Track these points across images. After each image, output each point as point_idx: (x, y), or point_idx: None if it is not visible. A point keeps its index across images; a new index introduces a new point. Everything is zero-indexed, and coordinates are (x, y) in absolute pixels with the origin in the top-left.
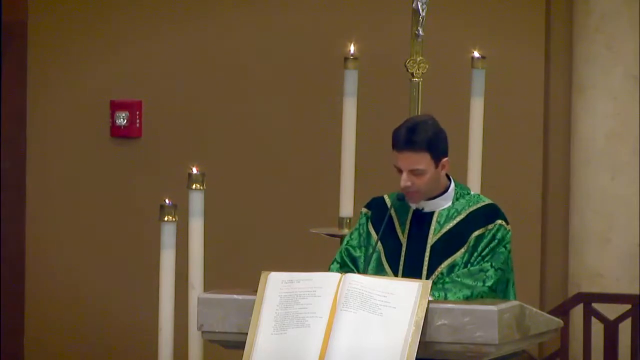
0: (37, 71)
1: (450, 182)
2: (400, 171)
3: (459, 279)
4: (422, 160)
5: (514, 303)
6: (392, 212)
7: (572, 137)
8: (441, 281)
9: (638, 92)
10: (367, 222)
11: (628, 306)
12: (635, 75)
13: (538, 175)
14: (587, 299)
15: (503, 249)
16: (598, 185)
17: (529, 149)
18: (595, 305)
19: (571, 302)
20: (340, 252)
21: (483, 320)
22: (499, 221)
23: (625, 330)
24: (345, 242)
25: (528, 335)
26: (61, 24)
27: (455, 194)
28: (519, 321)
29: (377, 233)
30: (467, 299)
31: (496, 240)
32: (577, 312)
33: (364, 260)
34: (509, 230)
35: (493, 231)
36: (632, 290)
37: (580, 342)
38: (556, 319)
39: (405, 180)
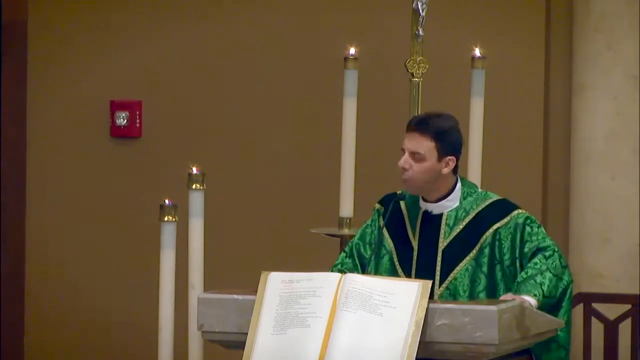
0: (37, 71)
1: (457, 182)
2: (404, 152)
3: (531, 281)
4: (425, 146)
5: (514, 303)
6: (404, 209)
7: (572, 137)
8: (516, 284)
9: (638, 92)
10: (378, 218)
11: (628, 306)
12: (635, 75)
13: (538, 175)
14: (587, 299)
15: (538, 230)
16: (598, 185)
17: (529, 149)
18: (595, 305)
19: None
20: (351, 245)
21: (483, 320)
22: (516, 211)
23: (625, 330)
24: (358, 235)
25: (528, 335)
26: (61, 24)
27: (462, 192)
28: (519, 321)
29: (388, 230)
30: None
31: (528, 227)
32: (577, 312)
33: (370, 258)
34: (528, 214)
35: (521, 222)
36: (632, 290)
37: (580, 342)
38: (556, 319)
39: (404, 162)
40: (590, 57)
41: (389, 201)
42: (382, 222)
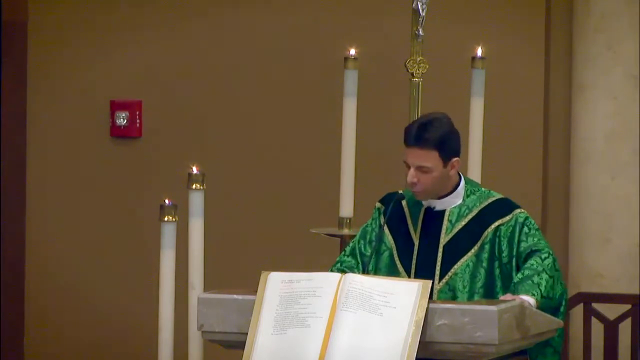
0: (37, 71)
1: (460, 179)
2: (408, 166)
3: (528, 281)
4: (429, 158)
5: (514, 303)
6: (405, 207)
7: (572, 137)
8: (512, 284)
9: (638, 92)
10: (378, 216)
11: (628, 306)
12: (635, 75)
13: (538, 175)
14: (587, 299)
15: (535, 232)
16: (598, 185)
17: (529, 149)
18: (595, 305)
19: (571, 302)
20: (353, 245)
21: (483, 320)
22: (517, 210)
23: (625, 330)
24: (358, 235)
25: (528, 335)
26: (61, 24)
27: (466, 190)
28: (519, 321)
29: (389, 228)
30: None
31: (526, 227)
32: (577, 312)
33: (371, 255)
34: (528, 215)
35: (519, 220)
36: (632, 290)
37: (580, 342)
38: (556, 319)
39: (412, 177)
40: (590, 57)
41: (390, 200)
42: (383, 220)
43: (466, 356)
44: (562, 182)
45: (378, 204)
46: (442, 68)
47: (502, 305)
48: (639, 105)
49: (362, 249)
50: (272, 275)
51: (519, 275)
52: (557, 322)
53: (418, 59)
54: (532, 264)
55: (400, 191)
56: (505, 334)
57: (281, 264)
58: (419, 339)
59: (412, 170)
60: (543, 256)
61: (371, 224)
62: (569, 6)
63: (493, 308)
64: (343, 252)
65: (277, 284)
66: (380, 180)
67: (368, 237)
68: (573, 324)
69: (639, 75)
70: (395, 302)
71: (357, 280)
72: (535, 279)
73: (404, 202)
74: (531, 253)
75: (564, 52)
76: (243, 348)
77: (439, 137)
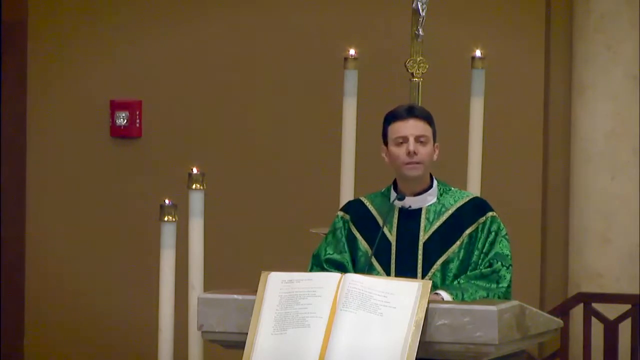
0: (37, 71)
1: (433, 179)
2: (400, 144)
3: (473, 281)
4: (426, 129)
5: (514, 303)
6: (372, 209)
7: (572, 137)
8: (457, 281)
9: (638, 92)
10: (344, 225)
11: (628, 306)
12: (635, 75)
13: (538, 175)
14: (587, 299)
15: (502, 239)
16: (598, 185)
17: (529, 149)
18: (595, 305)
19: (571, 302)
20: (320, 259)
21: (483, 320)
22: (490, 213)
23: (625, 330)
24: (323, 253)
25: (528, 335)
26: (61, 24)
27: (439, 189)
28: (519, 321)
29: (362, 235)
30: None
31: (493, 233)
32: (577, 312)
33: (355, 265)
34: (499, 218)
35: (487, 225)
36: (632, 290)
37: (580, 342)
38: (556, 319)
39: (414, 146)
40: (590, 57)
41: (355, 208)
42: (358, 233)
43: (466, 356)
44: (562, 182)
45: (341, 213)
46: (442, 68)
47: (503, 305)
48: (639, 105)
49: (338, 259)
50: (272, 275)
51: (471, 274)
52: (557, 321)
53: (418, 59)
54: (488, 285)
55: (362, 197)
56: (505, 334)
57: (281, 264)
58: (419, 339)
59: (411, 140)
60: (501, 284)
61: (335, 233)
62: (569, 6)
63: (493, 308)
64: (317, 268)
65: (277, 284)
66: (380, 180)
67: (333, 249)
68: (573, 324)
69: (639, 75)
70: (395, 302)
71: (357, 280)
72: (475, 293)
73: (369, 206)
74: (492, 273)
75: (564, 52)
76: (243, 348)
77: (428, 113)
